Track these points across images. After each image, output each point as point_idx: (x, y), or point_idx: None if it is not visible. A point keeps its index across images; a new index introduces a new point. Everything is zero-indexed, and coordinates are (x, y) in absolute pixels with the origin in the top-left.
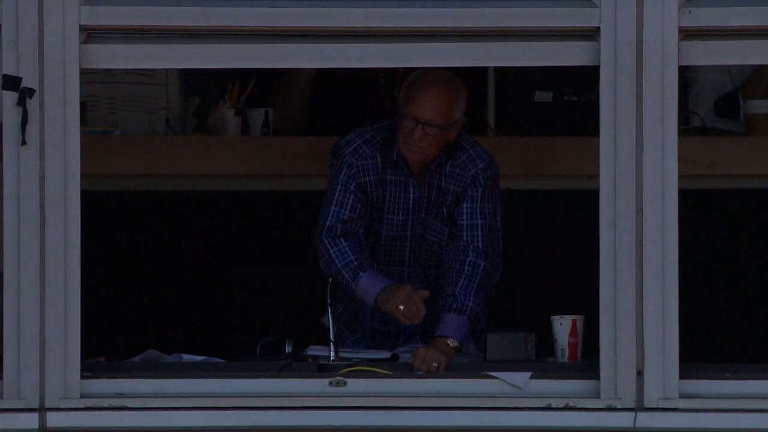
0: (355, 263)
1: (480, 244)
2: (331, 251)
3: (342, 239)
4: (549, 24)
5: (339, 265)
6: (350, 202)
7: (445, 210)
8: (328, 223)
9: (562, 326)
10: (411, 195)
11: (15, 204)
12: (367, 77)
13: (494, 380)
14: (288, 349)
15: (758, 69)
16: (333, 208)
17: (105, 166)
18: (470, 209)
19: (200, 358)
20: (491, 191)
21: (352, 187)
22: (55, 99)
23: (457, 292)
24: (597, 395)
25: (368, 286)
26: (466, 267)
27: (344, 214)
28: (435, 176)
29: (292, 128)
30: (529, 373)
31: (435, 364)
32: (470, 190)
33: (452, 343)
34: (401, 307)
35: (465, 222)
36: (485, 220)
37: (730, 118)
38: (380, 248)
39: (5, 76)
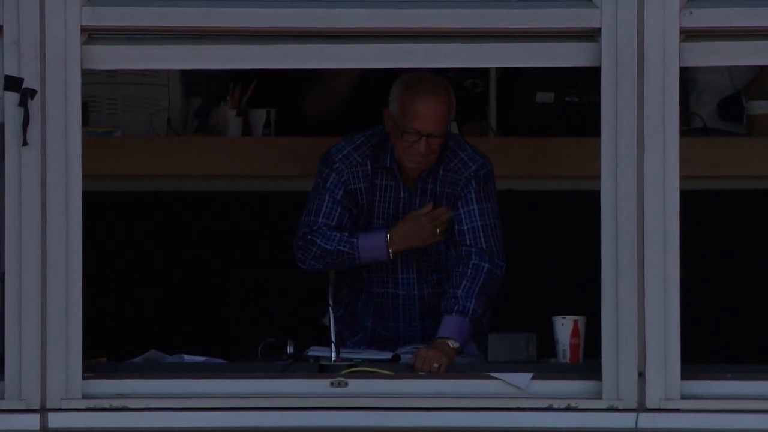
0: (346, 236)
1: (483, 245)
2: (319, 241)
3: (326, 230)
4: (550, 25)
5: (331, 247)
6: (337, 213)
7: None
8: (314, 228)
9: (564, 327)
10: (401, 200)
11: (16, 204)
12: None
13: (496, 381)
14: (289, 349)
15: (762, 71)
16: (321, 219)
17: (106, 167)
18: (469, 212)
19: (201, 358)
20: (487, 191)
21: (339, 197)
22: (56, 100)
23: (459, 294)
24: (599, 396)
25: (369, 241)
26: (469, 270)
27: (331, 224)
28: (427, 181)
29: (325, 118)
30: (530, 374)
31: (436, 365)
32: (465, 193)
33: (453, 344)
34: (428, 224)
35: (466, 226)
36: (485, 221)
37: (733, 121)
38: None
39: (7, 77)
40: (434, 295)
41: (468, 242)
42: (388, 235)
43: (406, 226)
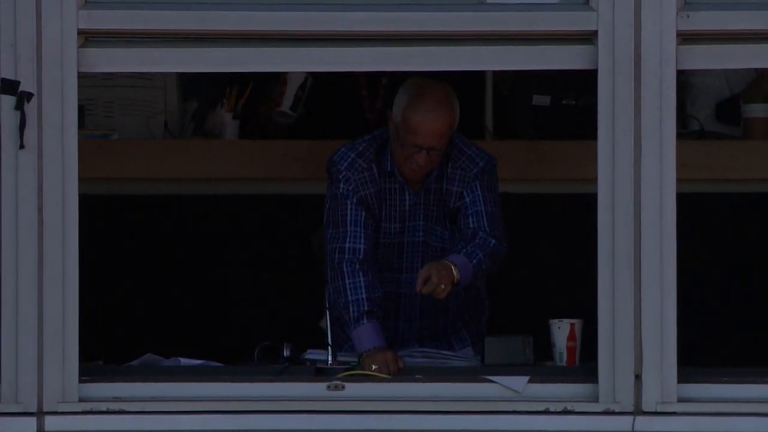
0: (365, 307)
1: (487, 229)
2: (347, 281)
3: (360, 273)
4: (547, 28)
5: (349, 299)
6: (362, 217)
7: (447, 211)
8: (347, 245)
9: (561, 330)
10: (406, 202)
11: (13, 208)
12: (350, 88)
13: (492, 384)
14: (286, 352)
15: (761, 75)
16: (350, 229)
17: (103, 170)
18: (473, 199)
19: (198, 362)
20: (491, 183)
21: (355, 200)
22: (53, 103)
23: (468, 245)
24: (595, 399)
25: (363, 337)
26: (478, 239)
27: (359, 233)
28: (432, 182)
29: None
30: (527, 377)
31: (443, 286)
32: (473, 185)
33: (455, 272)
34: (374, 366)
35: (469, 210)
36: (488, 208)
37: (730, 123)
38: (377, 257)
39: (3, 80)
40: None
41: (471, 224)
42: (364, 353)
43: (378, 358)
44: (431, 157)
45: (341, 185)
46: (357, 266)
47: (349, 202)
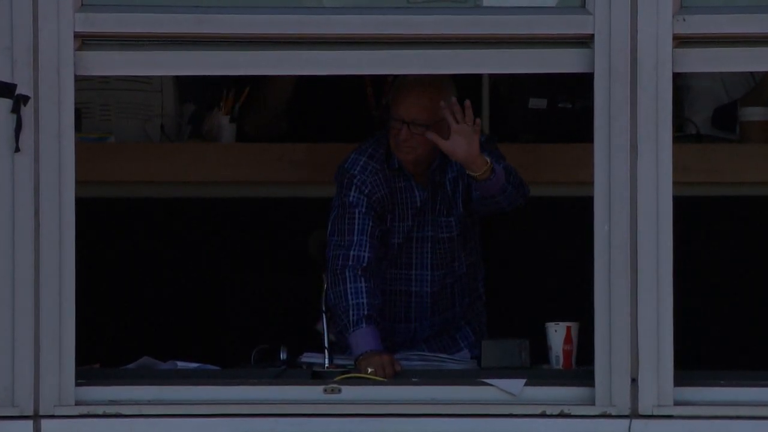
0: (365, 311)
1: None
2: (349, 286)
3: (362, 279)
4: (543, 31)
5: (349, 302)
6: (369, 226)
7: (459, 198)
8: (352, 253)
9: (557, 333)
10: (417, 199)
11: (9, 211)
12: (355, 87)
13: (489, 387)
14: (283, 356)
15: (761, 81)
16: (356, 237)
17: (100, 173)
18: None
19: (195, 365)
20: (496, 154)
21: (364, 209)
22: (49, 106)
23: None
24: (592, 402)
25: (360, 340)
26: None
27: (365, 242)
28: (436, 174)
29: (262, 136)
30: (523, 380)
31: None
32: None
33: (488, 159)
34: (369, 369)
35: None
36: (503, 164)
37: (727, 130)
38: (388, 256)
39: (0, 83)
40: (444, 288)
41: None
42: (361, 355)
43: (374, 361)
44: (414, 135)
45: (352, 192)
46: (359, 272)
47: (357, 211)
